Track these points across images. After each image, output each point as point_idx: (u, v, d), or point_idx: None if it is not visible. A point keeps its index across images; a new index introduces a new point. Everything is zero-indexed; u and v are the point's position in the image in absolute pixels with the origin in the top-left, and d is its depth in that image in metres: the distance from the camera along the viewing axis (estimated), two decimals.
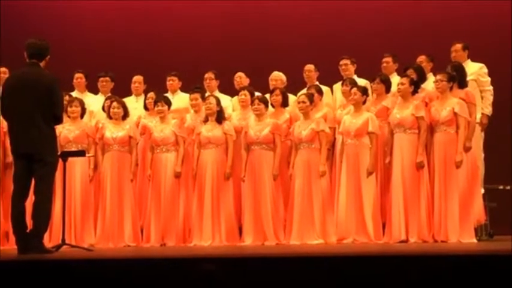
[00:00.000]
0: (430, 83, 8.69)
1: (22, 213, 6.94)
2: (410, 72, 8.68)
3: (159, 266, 5.58)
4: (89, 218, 8.84)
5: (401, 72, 8.86)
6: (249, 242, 8.50)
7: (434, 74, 8.48)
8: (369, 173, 8.31)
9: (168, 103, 9.11)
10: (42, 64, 7.04)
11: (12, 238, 8.45)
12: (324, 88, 9.36)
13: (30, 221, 7.02)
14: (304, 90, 9.23)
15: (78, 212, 8.79)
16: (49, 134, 6.97)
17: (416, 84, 8.44)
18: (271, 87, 9.41)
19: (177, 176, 8.83)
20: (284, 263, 5.36)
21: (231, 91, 9.76)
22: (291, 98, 9.30)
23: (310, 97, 8.71)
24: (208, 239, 8.56)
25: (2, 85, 7.43)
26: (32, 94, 6.86)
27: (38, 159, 6.87)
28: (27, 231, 6.93)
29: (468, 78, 8.60)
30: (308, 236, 8.34)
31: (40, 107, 6.87)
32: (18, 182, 6.98)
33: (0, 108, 7.31)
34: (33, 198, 6.91)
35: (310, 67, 9.65)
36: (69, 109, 8.85)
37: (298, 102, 8.73)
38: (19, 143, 6.95)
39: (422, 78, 8.74)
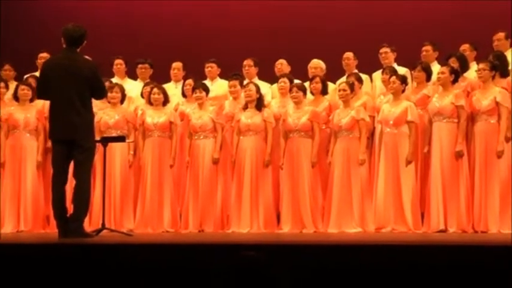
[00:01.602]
0: (472, 72, 8.61)
1: (62, 197, 7.03)
2: (452, 60, 8.60)
3: (197, 252, 5.62)
4: (129, 203, 8.92)
5: (443, 61, 8.78)
6: (286, 229, 8.51)
7: (478, 63, 8.39)
8: (408, 162, 8.26)
9: (206, 90, 9.12)
10: (79, 49, 7.10)
11: (53, 222, 8.54)
12: (363, 76, 9.31)
13: (71, 205, 7.13)
14: (344, 78, 9.20)
15: (118, 197, 8.88)
16: (88, 119, 7.04)
17: (456, 73, 8.36)
18: (310, 75, 9.38)
19: (215, 162, 8.85)
20: (322, 251, 5.36)
21: (270, 78, 9.74)
22: (330, 85, 9.27)
23: (350, 85, 8.68)
24: (246, 226, 8.59)
25: (40, 70, 7.50)
26: (71, 79, 6.92)
27: (77, 145, 6.94)
28: (68, 215, 7.02)
29: (510, 67, 8.50)
30: (346, 225, 8.33)
31: (79, 92, 6.94)
32: (57, 167, 7.06)
33: (38, 92, 7.41)
34: (74, 183, 6.99)
35: (349, 55, 9.60)
36: (109, 95, 8.90)
37: (339, 90, 8.70)
38: (58, 128, 7.02)
39: (464, 67, 8.65)
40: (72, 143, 6.95)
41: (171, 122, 8.98)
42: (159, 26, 11.69)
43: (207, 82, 9.53)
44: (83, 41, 7.09)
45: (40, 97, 7.63)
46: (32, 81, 9.29)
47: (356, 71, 9.45)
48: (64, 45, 7.08)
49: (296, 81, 9.17)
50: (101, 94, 7.33)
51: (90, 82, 6.98)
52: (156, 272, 5.33)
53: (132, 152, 9.01)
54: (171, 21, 11.70)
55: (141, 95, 9.46)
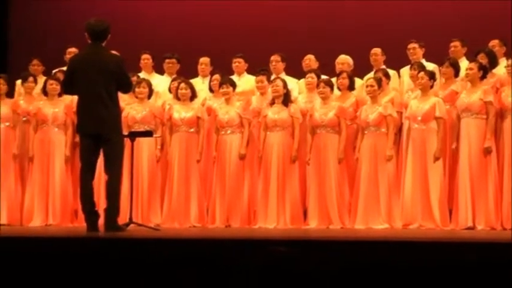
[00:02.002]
0: (501, 68, 8.54)
1: (90, 191, 7.08)
2: (481, 56, 8.54)
3: (223, 247, 5.63)
4: (156, 198, 8.96)
5: (472, 56, 8.72)
6: (313, 225, 8.50)
7: (507, 59, 8.32)
8: (436, 158, 8.21)
9: (233, 85, 9.13)
10: (104, 43, 7.13)
11: (81, 216, 8.60)
12: (391, 72, 9.27)
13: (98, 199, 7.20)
14: (371, 74, 9.16)
15: (145, 192, 8.92)
16: (115, 113, 7.08)
17: (485, 69, 8.30)
18: (337, 71, 9.36)
19: (242, 158, 8.86)
20: (349, 247, 5.34)
21: (297, 74, 9.72)
22: (357, 81, 9.23)
23: (378, 81, 8.64)
24: (273, 221, 8.59)
25: (67, 65, 7.54)
26: (97, 74, 6.95)
27: (105, 139, 6.98)
28: (96, 209, 7.07)
29: None
30: (373, 221, 8.30)
31: (106, 87, 6.97)
32: (85, 161, 7.10)
33: (65, 87, 7.45)
34: (106, 177, 7.04)
35: (377, 51, 9.55)
36: (136, 90, 8.94)
37: (367, 86, 8.67)
38: (86, 122, 7.06)
39: (493, 63, 8.59)
40: (100, 137, 7.00)
41: (198, 117, 8.99)
42: (187, 20, 11.70)
43: (234, 77, 9.53)
44: (107, 35, 7.11)
45: (67, 92, 7.69)
46: (60, 76, 9.33)
47: (384, 66, 9.41)
48: (89, 40, 7.12)
49: (323, 76, 9.15)
50: (127, 88, 7.36)
51: (116, 76, 7.01)
52: (182, 267, 5.34)
53: (159, 147, 9.04)
54: (199, 16, 11.69)
55: (169, 90, 9.49)
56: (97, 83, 6.95)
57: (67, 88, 7.40)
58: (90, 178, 7.09)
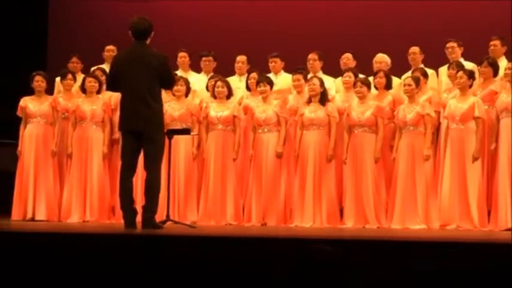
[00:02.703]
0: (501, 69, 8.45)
1: (130, 188, 7.13)
2: None
3: (259, 245, 5.63)
4: (192, 196, 8.99)
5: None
6: (350, 224, 8.47)
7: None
8: (475, 159, 8.14)
9: (271, 83, 9.13)
10: (147, 41, 7.18)
11: (118, 212, 8.69)
12: (429, 71, 9.20)
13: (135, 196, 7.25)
14: (409, 73, 9.11)
15: (182, 190, 8.96)
16: (158, 112, 7.12)
17: None
18: (375, 70, 9.31)
19: (279, 156, 8.86)
20: (385, 246, 5.32)
21: (335, 72, 9.70)
22: (395, 80, 9.18)
23: (416, 80, 8.58)
24: (309, 220, 8.57)
25: (111, 63, 7.60)
26: (140, 72, 7.00)
27: (147, 137, 7.02)
28: (134, 205, 7.12)
29: None
30: (410, 221, 8.25)
31: (149, 85, 7.02)
32: (127, 158, 7.16)
33: (109, 85, 7.51)
34: (145, 175, 7.08)
35: (415, 49, 9.49)
36: (174, 87, 8.97)
37: (404, 85, 8.62)
38: (129, 120, 7.11)
39: None
40: (141, 134, 7.05)
41: (234, 116, 9.01)
42: (224, 19, 11.72)
43: (271, 75, 9.53)
44: (149, 33, 7.16)
45: (110, 89, 7.74)
46: (99, 74, 9.43)
47: (422, 65, 9.34)
48: (132, 38, 7.17)
49: (360, 75, 9.11)
50: (170, 85, 7.47)
51: (159, 72, 7.06)
52: (218, 264, 5.36)
53: (196, 145, 9.08)
54: (236, 15, 11.72)
55: (206, 88, 9.52)
56: (140, 81, 7.00)
57: (110, 85, 7.46)
58: (131, 176, 7.15)
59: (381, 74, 8.94)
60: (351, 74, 9.12)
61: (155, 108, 7.07)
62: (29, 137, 9.17)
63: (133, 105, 7.04)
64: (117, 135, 9.11)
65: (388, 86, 8.97)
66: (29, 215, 8.99)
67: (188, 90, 9.23)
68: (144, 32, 7.14)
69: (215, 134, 9.03)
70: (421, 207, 8.27)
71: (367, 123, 8.62)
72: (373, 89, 8.95)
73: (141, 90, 7.00)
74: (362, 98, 8.69)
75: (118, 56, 7.41)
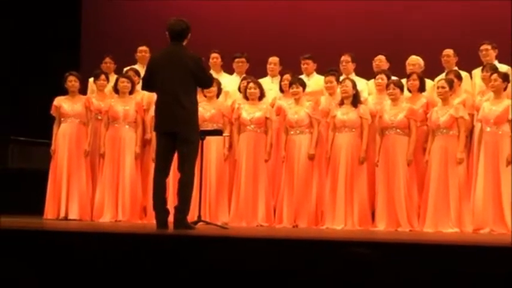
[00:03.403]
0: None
1: (163, 189, 7.16)
2: None
3: (290, 247, 5.62)
4: (224, 197, 9.01)
5: None
6: (381, 227, 8.43)
7: None
8: (509, 162, 8.06)
9: (303, 85, 9.11)
10: (184, 43, 7.20)
11: (149, 213, 8.73)
12: (463, 73, 9.13)
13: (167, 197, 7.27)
14: (443, 76, 9.04)
15: (213, 190, 8.97)
16: (193, 113, 7.14)
17: None
18: (408, 72, 9.25)
19: (311, 158, 8.84)
20: (417, 250, 5.28)
21: (367, 74, 9.66)
22: (428, 83, 9.12)
23: (449, 82, 8.52)
24: (340, 222, 8.54)
25: (147, 63, 7.63)
26: (176, 73, 7.03)
27: (182, 138, 7.05)
28: (166, 206, 7.14)
29: None
30: (443, 224, 8.19)
31: (184, 86, 7.05)
32: (161, 159, 7.19)
33: (144, 85, 7.54)
34: (179, 176, 7.10)
35: (449, 52, 9.41)
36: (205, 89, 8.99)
37: (437, 88, 8.56)
38: (163, 121, 7.14)
39: None
40: (176, 136, 7.07)
41: (266, 118, 9.01)
42: (256, 20, 11.71)
43: (303, 77, 9.51)
44: (186, 35, 7.19)
45: (146, 89, 7.76)
46: (132, 74, 9.47)
47: (456, 68, 9.27)
48: (169, 39, 7.21)
49: (393, 77, 9.06)
50: (207, 84, 7.54)
51: (195, 74, 7.08)
52: (249, 266, 5.36)
53: (227, 146, 9.09)
54: (268, 16, 11.71)
55: (238, 89, 9.53)
56: (175, 83, 7.03)
57: (146, 85, 7.50)
58: (164, 176, 7.18)
59: (415, 76, 8.88)
60: (383, 76, 9.07)
61: (190, 109, 7.09)
62: (63, 136, 9.24)
63: (168, 106, 7.07)
64: (149, 135, 9.16)
65: (422, 88, 8.92)
66: (62, 214, 9.06)
67: (219, 91, 9.24)
68: (181, 34, 7.17)
69: (247, 135, 9.03)
70: (454, 210, 8.20)
71: (400, 125, 8.58)
72: (406, 92, 8.90)
73: (176, 91, 7.03)
74: (395, 100, 8.64)
75: (154, 57, 7.44)
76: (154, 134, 8.93)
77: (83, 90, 9.72)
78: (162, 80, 7.09)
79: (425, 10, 11.18)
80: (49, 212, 9.14)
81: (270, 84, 9.75)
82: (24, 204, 9.64)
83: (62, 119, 9.29)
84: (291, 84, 9.10)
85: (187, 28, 7.19)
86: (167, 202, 7.23)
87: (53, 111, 9.35)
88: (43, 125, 9.77)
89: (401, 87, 8.72)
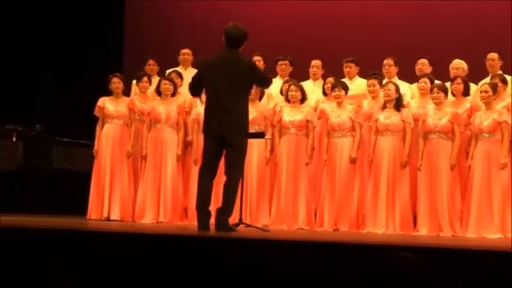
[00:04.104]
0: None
1: (208, 191, 7.19)
2: None
3: (331, 250, 5.60)
4: (264, 199, 9.00)
5: None
6: (423, 232, 8.35)
7: None
8: None
9: (345, 88, 9.08)
10: (239, 50, 7.25)
11: (191, 214, 8.78)
12: (508, 78, 9.02)
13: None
14: (487, 80, 8.95)
15: (254, 193, 8.98)
16: (241, 118, 7.17)
17: None
18: (452, 76, 9.17)
19: (353, 161, 8.81)
20: (460, 255, 5.24)
21: (410, 78, 9.59)
22: (472, 87, 9.03)
23: (493, 87, 8.42)
24: (382, 226, 8.49)
25: (198, 67, 7.63)
26: (227, 78, 7.07)
27: (230, 143, 7.08)
28: (209, 208, 7.16)
29: None
30: (486, 230, 8.09)
31: (235, 91, 7.09)
32: (207, 161, 7.23)
33: (192, 88, 7.56)
34: (225, 178, 7.14)
35: (493, 56, 9.30)
36: None
37: (481, 92, 8.47)
38: (213, 124, 7.17)
39: None
40: (224, 140, 7.10)
41: (308, 121, 9.00)
42: (299, 23, 11.70)
43: (345, 80, 9.48)
44: (243, 42, 7.26)
45: (192, 92, 7.77)
46: (174, 76, 9.53)
47: (500, 72, 9.17)
48: (225, 45, 7.25)
49: (436, 81, 8.99)
50: (266, 83, 7.66)
51: (253, 77, 7.22)
52: (289, 268, 5.35)
53: (269, 149, 9.09)
54: (311, 19, 11.68)
55: (281, 92, 9.53)
56: (227, 88, 7.08)
57: (193, 89, 7.56)
58: (209, 178, 7.21)
59: (459, 80, 8.80)
60: (427, 80, 9.00)
61: (240, 114, 7.13)
62: (106, 137, 9.31)
63: (219, 110, 7.11)
64: (191, 137, 9.21)
65: (466, 92, 8.83)
66: (105, 215, 9.13)
67: (262, 94, 9.25)
68: (238, 41, 7.23)
69: (288, 138, 9.02)
70: (497, 216, 8.11)
71: (443, 129, 8.50)
72: (449, 95, 8.82)
73: (227, 96, 7.08)
74: (439, 104, 8.57)
75: (206, 61, 7.42)
76: (195, 136, 9.03)
77: (126, 92, 9.79)
78: (214, 85, 7.14)
79: (468, 13, 11.07)
80: (92, 213, 9.22)
81: (312, 87, 9.73)
82: (68, 204, 9.75)
83: (105, 120, 9.36)
84: (333, 88, 9.08)
85: (244, 35, 7.25)
86: (210, 204, 7.25)
87: (96, 112, 9.42)
88: (85, 126, 9.86)
89: (445, 91, 8.65)
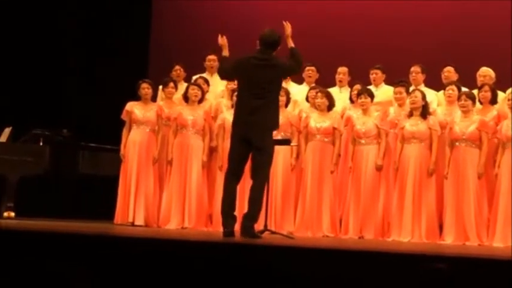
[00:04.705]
0: None
1: (233, 195, 7.18)
2: None
3: (356, 258, 5.58)
4: (290, 206, 8.98)
5: None
6: (449, 241, 8.29)
7: None
8: None
9: (371, 95, 9.05)
10: (273, 53, 7.27)
11: (215, 221, 8.78)
12: None
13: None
14: None
15: (279, 199, 8.96)
16: (270, 123, 7.18)
17: None
18: (479, 83, 9.11)
19: (378, 168, 8.77)
20: (486, 265, 5.19)
21: (436, 85, 9.53)
22: (500, 94, 8.96)
23: None
24: (407, 235, 8.44)
25: (236, 59, 7.60)
26: (260, 82, 7.10)
27: (258, 146, 7.07)
28: (234, 212, 7.15)
29: None
30: None
31: (266, 95, 7.11)
32: (233, 164, 7.23)
33: (224, 71, 7.60)
34: (252, 183, 7.14)
35: None
36: None
37: (508, 100, 8.40)
38: (241, 127, 7.18)
39: None
40: (252, 143, 7.10)
41: (334, 128, 8.97)
42: (325, 29, 11.67)
43: (371, 88, 9.45)
44: (276, 47, 7.29)
45: (223, 76, 7.85)
46: (201, 82, 9.54)
47: None
48: (259, 48, 7.27)
49: (463, 89, 8.93)
50: (295, 69, 7.67)
51: (283, 71, 7.34)
52: (315, 276, 5.33)
53: (294, 156, 9.07)
54: (337, 25, 11.65)
55: (306, 98, 9.51)
56: (256, 90, 7.10)
57: (225, 73, 7.62)
58: (235, 181, 7.21)
59: (486, 87, 8.74)
60: (454, 87, 8.94)
61: (269, 118, 7.13)
62: (133, 143, 9.32)
63: (247, 113, 7.11)
64: (215, 143, 9.21)
65: (494, 100, 8.76)
66: (130, 220, 9.14)
67: (288, 100, 9.23)
68: (272, 45, 7.27)
69: (314, 145, 9.00)
70: None
71: (471, 137, 8.44)
72: (476, 103, 8.76)
73: (258, 97, 7.08)
74: (466, 112, 8.51)
75: (241, 61, 7.39)
76: (221, 142, 9.04)
77: (153, 97, 9.80)
78: (245, 85, 7.16)
79: (495, 21, 10.98)
80: (119, 218, 9.24)
81: (338, 94, 9.70)
82: (95, 209, 9.80)
83: (133, 125, 9.38)
84: (359, 95, 9.05)
85: (279, 40, 7.29)
86: (235, 208, 7.24)
87: (123, 116, 9.43)
88: (111, 131, 9.90)
89: (473, 99, 8.59)
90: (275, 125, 7.29)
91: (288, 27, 7.52)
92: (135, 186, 9.21)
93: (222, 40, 7.63)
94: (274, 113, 7.24)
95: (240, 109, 7.26)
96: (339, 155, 8.99)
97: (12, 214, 9.44)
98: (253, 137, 7.10)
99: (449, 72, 9.51)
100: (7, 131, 9.83)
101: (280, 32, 7.41)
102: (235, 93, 8.02)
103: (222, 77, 8.00)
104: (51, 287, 3.19)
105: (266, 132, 7.15)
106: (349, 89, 9.62)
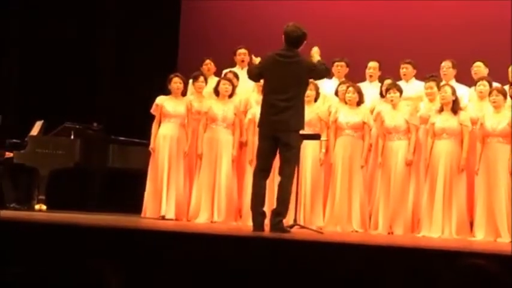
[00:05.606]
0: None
1: (262, 191, 7.20)
2: None
3: (386, 254, 5.56)
4: (319, 201, 8.96)
5: None
6: (480, 237, 8.22)
7: None
8: None
9: (400, 90, 8.99)
10: (299, 49, 7.25)
11: (245, 215, 8.78)
12: None
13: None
14: None
15: (308, 194, 8.94)
16: (298, 119, 7.18)
17: None
18: (510, 79, 9.03)
19: (408, 164, 8.72)
20: None
21: (468, 81, 9.45)
22: None
23: None
24: (437, 231, 8.38)
25: (262, 59, 7.60)
26: (283, 78, 7.10)
27: (285, 143, 7.09)
28: (263, 208, 7.16)
29: None
30: None
31: (291, 91, 7.12)
32: (262, 160, 7.25)
33: (253, 73, 7.61)
34: (280, 179, 7.13)
35: None
36: None
37: None
38: (268, 124, 7.20)
39: None
40: (279, 139, 7.11)
41: (364, 123, 8.94)
42: (357, 24, 11.61)
43: (402, 82, 9.39)
44: (302, 42, 7.26)
45: (251, 77, 7.82)
46: (231, 77, 9.53)
47: None
48: (284, 44, 7.26)
49: (495, 84, 8.85)
50: (323, 74, 7.63)
51: (310, 76, 7.33)
52: (344, 271, 5.32)
53: (323, 150, 9.05)
54: (370, 20, 11.58)
55: (335, 93, 9.48)
56: (282, 87, 7.11)
57: (253, 74, 7.62)
58: (264, 178, 7.23)
59: None
60: (485, 82, 8.86)
61: (296, 114, 7.12)
62: (163, 137, 9.34)
63: (274, 110, 7.11)
64: (245, 137, 9.21)
65: None
66: (162, 213, 9.15)
67: (317, 95, 9.21)
68: (297, 40, 7.25)
69: (343, 140, 8.97)
70: None
71: (502, 133, 8.36)
72: (508, 99, 8.67)
73: (283, 95, 7.09)
74: (498, 107, 8.44)
75: (267, 58, 7.42)
76: (250, 136, 9.04)
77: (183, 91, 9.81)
78: (271, 83, 7.16)
79: None
80: (148, 211, 9.26)
81: (368, 89, 9.65)
82: (123, 202, 9.84)
83: (163, 119, 9.40)
84: (388, 90, 9.00)
85: (303, 35, 7.26)
86: (265, 204, 7.25)
87: (153, 110, 9.44)
88: (141, 125, 9.93)
89: (504, 94, 8.51)
90: (300, 127, 7.28)
91: (317, 54, 7.48)
92: (167, 180, 9.22)
93: (255, 61, 7.68)
94: (299, 114, 7.24)
95: (265, 109, 7.27)
96: (369, 150, 8.96)
97: (44, 207, 9.53)
98: (280, 132, 7.11)
99: (478, 68, 9.43)
100: (39, 124, 9.92)
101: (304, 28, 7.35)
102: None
103: (251, 79, 7.99)
104: (84, 280, 3.19)
105: (293, 129, 7.17)
106: (379, 84, 9.57)
